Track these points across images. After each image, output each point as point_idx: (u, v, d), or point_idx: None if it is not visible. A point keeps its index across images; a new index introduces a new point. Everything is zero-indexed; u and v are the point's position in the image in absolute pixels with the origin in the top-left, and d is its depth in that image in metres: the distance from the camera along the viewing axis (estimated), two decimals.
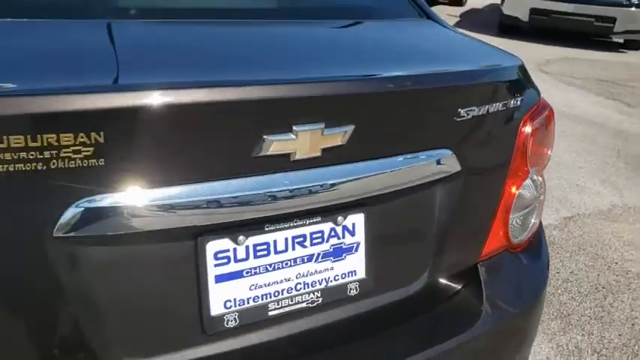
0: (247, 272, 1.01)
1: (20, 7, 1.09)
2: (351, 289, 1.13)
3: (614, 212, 3.54)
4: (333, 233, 1.09)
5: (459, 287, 1.30)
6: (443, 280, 1.29)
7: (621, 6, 8.31)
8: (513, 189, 1.34)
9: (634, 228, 3.36)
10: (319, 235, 1.07)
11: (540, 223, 1.50)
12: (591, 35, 9.18)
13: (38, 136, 0.78)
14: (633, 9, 8.34)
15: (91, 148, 0.81)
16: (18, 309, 0.85)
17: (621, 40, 9.14)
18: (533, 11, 8.67)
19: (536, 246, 1.46)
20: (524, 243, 1.43)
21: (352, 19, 1.45)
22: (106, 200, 0.84)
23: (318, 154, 0.97)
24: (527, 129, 1.31)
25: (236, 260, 1.00)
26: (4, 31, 1.00)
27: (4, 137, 0.76)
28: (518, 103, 1.27)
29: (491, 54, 1.38)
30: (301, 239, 1.06)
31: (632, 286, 2.77)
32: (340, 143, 0.98)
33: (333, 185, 1.02)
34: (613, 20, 8.34)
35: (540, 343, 2.29)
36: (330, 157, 0.99)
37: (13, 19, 1.04)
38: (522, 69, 1.33)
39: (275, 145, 0.92)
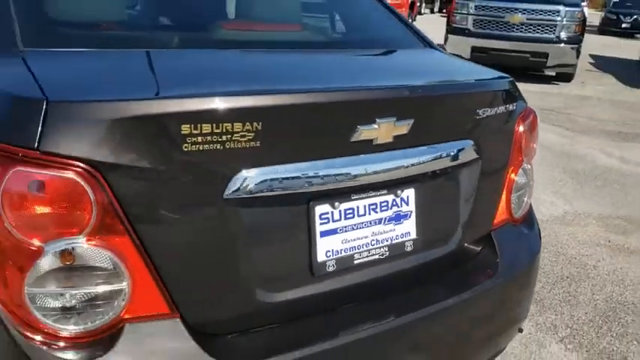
0: (340, 230, 1.36)
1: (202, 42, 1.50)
2: (407, 246, 1.49)
3: (567, 218, 4.04)
4: (394, 203, 1.46)
5: (479, 249, 1.69)
6: (468, 245, 1.67)
7: (552, 42, 9.14)
8: (512, 175, 1.75)
9: (585, 230, 3.85)
10: (386, 204, 1.44)
11: (530, 203, 1.91)
12: (527, 70, 9.98)
13: (220, 124, 1.12)
14: (562, 45, 9.19)
15: (253, 134, 1.16)
16: (195, 248, 1.17)
17: (553, 74, 9.98)
18: (474, 49, 9.39)
19: (530, 220, 1.87)
20: (521, 218, 1.83)
21: (383, 49, 1.85)
22: (258, 171, 1.19)
23: (391, 140, 1.34)
24: (521, 128, 1.72)
25: (333, 220, 1.35)
26: (196, 57, 1.37)
27: (198, 125, 1.10)
28: (514, 107, 1.68)
29: (487, 71, 1.80)
30: (374, 206, 1.42)
31: (590, 275, 3.23)
32: (405, 132, 1.36)
33: (398, 164, 1.39)
34: (546, 55, 9.14)
35: None
36: (398, 142, 1.36)
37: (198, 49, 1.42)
38: (514, 82, 1.75)
39: (365, 133, 1.29)
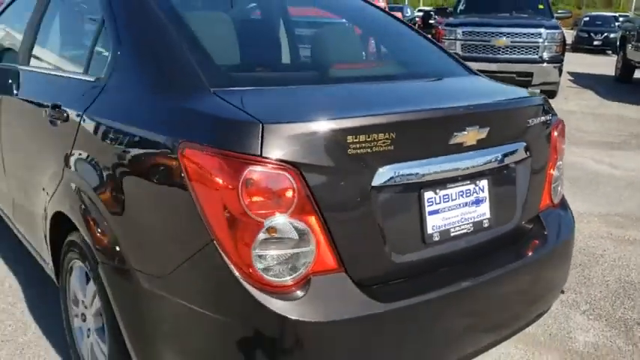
0: (440, 210, 1.87)
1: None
2: (484, 223, 1.99)
3: None
4: (475, 190, 1.96)
5: (531, 227, 2.19)
6: (524, 224, 2.17)
7: (536, 62, 9.82)
8: (551, 170, 2.27)
9: (589, 226, 4.40)
10: (469, 191, 1.95)
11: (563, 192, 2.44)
12: None
13: (370, 135, 1.63)
14: (545, 65, 9.88)
15: (389, 140, 1.66)
16: (353, 222, 1.66)
17: (538, 91, 10.64)
18: None
19: (564, 205, 2.39)
20: (559, 203, 2.35)
21: (446, 77, 2.38)
22: (391, 167, 1.69)
23: (475, 143, 1.86)
24: (556, 133, 2.25)
25: (436, 203, 1.85)
26: (331, 89, 1.91)
27: (357, 136, 1.61)
28: (550, 117, 2.21)
29: (526, 91, 2.33)
30: (462, 193, 1.92)
31: (599, 262, 3.76)
32: (484, 136, 1.88)
33: (478, 161, 1.90)
34: (531, 75, 9.80)
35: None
36: (479, 144, 1.88)
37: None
38: (547, 99, 2.28)
39: (459, 137, 1.80)
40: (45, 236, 2.42)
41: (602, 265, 3.72)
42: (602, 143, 7.24)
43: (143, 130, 1.79)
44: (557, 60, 9.94)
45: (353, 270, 1.67)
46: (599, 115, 9.24)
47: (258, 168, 1.52)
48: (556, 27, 10.01)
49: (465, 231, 1.94)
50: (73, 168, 2.09)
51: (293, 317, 1.55)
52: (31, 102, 2.55)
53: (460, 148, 1.84)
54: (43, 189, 2.32)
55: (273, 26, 2.48)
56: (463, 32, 10.15)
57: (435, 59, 2.57)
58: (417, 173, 1.75)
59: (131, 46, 2.02)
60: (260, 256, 1.55)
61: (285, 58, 2.28)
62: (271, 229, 1.55)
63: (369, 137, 1.63)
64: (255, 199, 1.53)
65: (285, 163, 1.53)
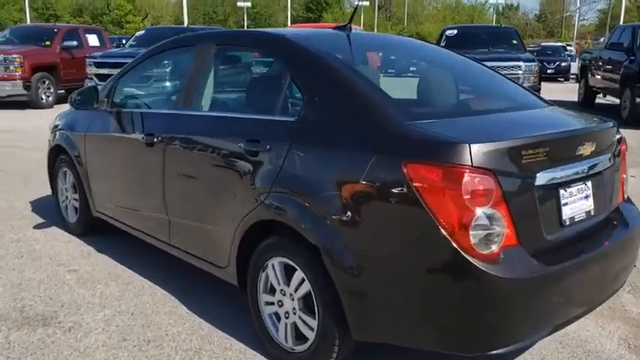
0: (569, 203, 2.60)
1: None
2: (591, 212, 2.74)
3: None
4: (585, 189, 2.71)
5: (615, 214, 2.96)
6: (611, 214, 2.93)
7: None
8: (623, 174, 3.05)
9: None
10: (582, 189, 2.68)
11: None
12: None
13: (535, 149, 2.36)
14: None
15: (545, 153, 2.40)
16: (524, 211, 2.38)
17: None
18: None
19: (630, 200, 3.17)
20: (627, 199, 3.13)
21: (534, 109, 3.15)
22: (546, 171, 2.42)
23: (589, 154, 2.62)
24: (624, 147, 3.04)
25: (571, 196, 2.59)
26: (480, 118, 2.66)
27: (529, 150, 2.34)
28: (620, 136, 3.01)
29: (601, 117, 3.11)
30: (579, 190, 2.66)
31: None
32: (593, 149, 2.64)
33: (588, 166, 2.66)
34: None
35: None
36: (590, 154, 2.64)
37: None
38: (617, 123, 3.07)
39: (582, 149, 2.56)
40: (232, 245, 3.01)
41: None
42: None
43: (358, 152, 2.47)
44: (535, 89, 10.99)
45: (525, 245, 2.37)
46: None
47: (471, 173, 2.22)
48: (532, 60, 11.13)
49: (582, 216, 2.67)
50: (285, 185, 2.71)
51: (495, 274, 2.23)
52: (216, 139, 3.17)
53: (581, 158, 2.59)
54: (242, 203, 2.91)
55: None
56: None
57: (527, 96, 3.39)
58: (554, 178, 2.49)
59: (327, 94, 2.71)
60: (473, 235, 2.24)
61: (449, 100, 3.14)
62: (480, 216, 2.24)
63: (534, 151, 2.36)
64: (471, 193, 2.22)
65: (487, 169, 2.24)
